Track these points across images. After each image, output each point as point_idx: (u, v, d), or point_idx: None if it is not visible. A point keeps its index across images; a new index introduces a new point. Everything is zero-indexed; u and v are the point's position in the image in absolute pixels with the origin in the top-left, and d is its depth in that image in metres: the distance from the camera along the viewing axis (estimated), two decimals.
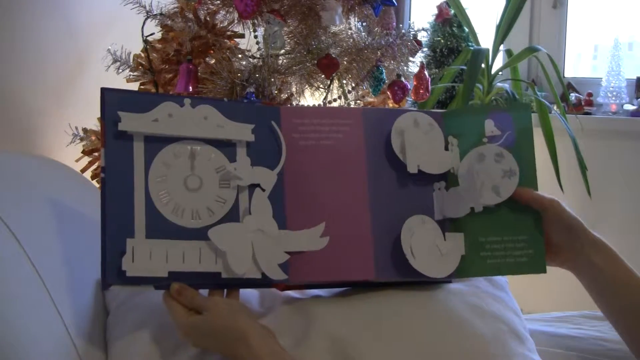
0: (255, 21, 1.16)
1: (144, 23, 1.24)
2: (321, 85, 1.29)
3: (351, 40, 1.27)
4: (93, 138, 1.31)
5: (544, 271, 0.83)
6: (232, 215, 0.78)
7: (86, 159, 1.33)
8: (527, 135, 0.85)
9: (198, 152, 0.77)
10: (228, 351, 0.71)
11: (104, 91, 0.75)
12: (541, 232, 0.83)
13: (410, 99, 1.38)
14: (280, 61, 1.21)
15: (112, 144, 0.74)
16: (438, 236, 0.83)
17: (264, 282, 0.78)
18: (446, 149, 0.85)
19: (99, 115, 0.75)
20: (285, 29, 1.19)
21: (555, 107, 1.90)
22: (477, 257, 0.83)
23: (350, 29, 1.30)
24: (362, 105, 1.44)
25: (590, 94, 2.18)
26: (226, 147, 0.79)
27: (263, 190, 0.79)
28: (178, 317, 0.73)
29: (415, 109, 0.92)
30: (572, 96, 2.15)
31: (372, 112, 0.87)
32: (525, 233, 0.83)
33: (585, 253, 0.81)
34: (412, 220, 0.82)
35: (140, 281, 0.73)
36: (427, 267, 0.81)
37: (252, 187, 0.79)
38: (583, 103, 2.15)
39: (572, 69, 2.36)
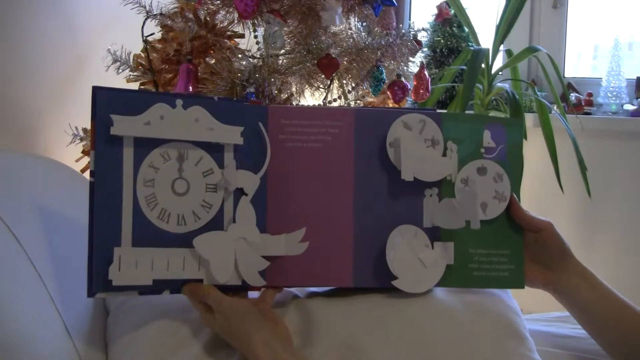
0: (255, 21, 1.16)
1: (144, 23, 1.24)
2: (321, 85, 1.29)
3: (351, 40, 1.27)
4: None
5: (523, 286, 0.84)
6: (217, 221, 0.77)
7: (86, 159, 1.33)
8: (517, 152, 0.85)
9: (187, 154, 0.76)
10: (239, 350, 0.75)
11: (96, 90, 0.74)
12: (522, 247, 0.84)
13: (410, 99, 1.38)
14: (280, 61, 1.21)
15: (102, 147, 0.73)
16: (422, 247, 0.81)
17: (242, 287, 0.78)
18: (444, 154, 0.83)
19: None
20: (285, 29, 1.19)
21: (555, 107, 1.90)
22: (464, 268, 0.83)
23: (350, 29, 1.30)
24: (362, 105, 1.44)
25: (590, 94, 2.18)
26: (214, 149, 0.78)
27: (246, 194, 0.78)
28: (197, 310, 0.77)
29: (405, 109, 0.89)
30: (572, 96, 2.15)
31: (365, 113, 0.83)
32: (508, 248, 0.84)
33: (570, 276, 0.83)
34: (395, 233, 0.81)
35: (125, 289, 0.74)
36: (409, 285, 0.81)
37: (237, 191, 0.78)
38: (583, 103, 2.15)
39: (572, 69, 2.36)
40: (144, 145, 0.75)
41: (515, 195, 0.84)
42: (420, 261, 0.81)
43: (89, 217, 0.73)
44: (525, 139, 1.99)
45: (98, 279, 0.73)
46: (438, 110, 0.87)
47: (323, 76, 1.21)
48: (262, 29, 1.13)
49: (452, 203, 0.82)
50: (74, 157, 1.33)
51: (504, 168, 0.84)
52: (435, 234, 0.82)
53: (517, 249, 0.84)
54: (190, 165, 0.77)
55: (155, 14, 1.25)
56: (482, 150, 0.84)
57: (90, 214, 0.73)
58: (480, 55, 1.79)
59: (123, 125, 0.73)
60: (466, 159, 0.83)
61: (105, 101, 0.73)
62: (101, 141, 0.73)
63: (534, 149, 1.94)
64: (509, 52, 2.07)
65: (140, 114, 0.74)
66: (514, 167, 0.84)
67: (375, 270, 0.81)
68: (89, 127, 1.33)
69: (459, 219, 0.81)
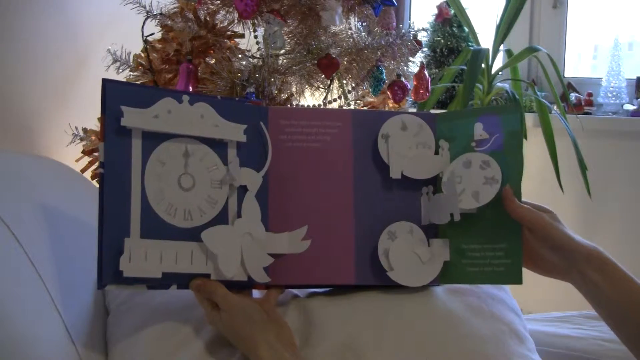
0: (255, 21, 1.16)
1: (144, 23, 1.25)
2: (321, 85, 1.29)
3: (351, 40, 1.27)
4: (93, 138, 1.32)
5: (520, 282, 0.80)
6: (222, 217, 0.78)
7: (86, 159, 1.33)
8: (516, 137, 0.82)
9: (192, 150, 0.77)
10: (242, 350, 0.74)
11: (106, 83, 0.74)
12: (520, 241, 0.80)
13: (410, 99, 1.38)
14: (280, 61, 1.21)
15: (112, 138, 0.73)
16: (420, 243, 0.82)
17: (248, 284, 0.79)
18: (437, 152, 0.84)
19: (99, 115, 0.74)
20: (285, 29, 1.19)
21: (555, 107, 1.90)
22: (460, 264, 0.82)
23: (350, 29, 1.30)
24: (362, 105, 1.44)
25: (590, 94, 2.19)
26: (218, 146, 0.79)
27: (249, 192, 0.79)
28: (203, 307, 0.76)
29: (405, 111, 0.90)
30: (572, 96, 2.15)
31: (362, 114, 0.85)
32: (504, 242, 0.80)
33: (579, 269, 0.77)
34: (392, 228, 0.82)
35: (134, 281, 0.74)
36: (405, 278, 0.81)
37: (242, 188, 0.79)
38: (583, 103, 2.15)
39: (572, 69, 2.36)
40: (151, 139, 0.75)
41: (509, 187, 0.79)
42: (417, 256, 0.81)
43: (99, 209, 0.73)
44: (526, 138, 1.99)
45: (108, 271, 0.72)
46: (434, 111, 0.87)
47: (323, 76, 1.22)
48: (262, 29, 1.13)
49: (440, 198, 0.82)
50: (74, 157, 1.33)
51: (500, 156, 0.81)
52: (433, 231, 0.83)
53: (514, 242, 0.80)
54: (196, 161, 0.77)
55: (155, 14, 1.25)
56: (473, 144, 0.83)
57: (100, 205, 0.73)
58: (480, 55, 1.79)
59: (133, 117, 0.74)
60: (457, 155, 0.83)
61: (115, 93, 0.74)
62: (111, 133, 0.73)
63: (534, 149, 1.94)
64: (509, 52, 2.07)
65: (149, 107, 0.75)
66: (512, 154, 0.81)
67: (377, 267, 0.81)
68: (89, 127, 1.33)
69: (444, 213, 0.81)
